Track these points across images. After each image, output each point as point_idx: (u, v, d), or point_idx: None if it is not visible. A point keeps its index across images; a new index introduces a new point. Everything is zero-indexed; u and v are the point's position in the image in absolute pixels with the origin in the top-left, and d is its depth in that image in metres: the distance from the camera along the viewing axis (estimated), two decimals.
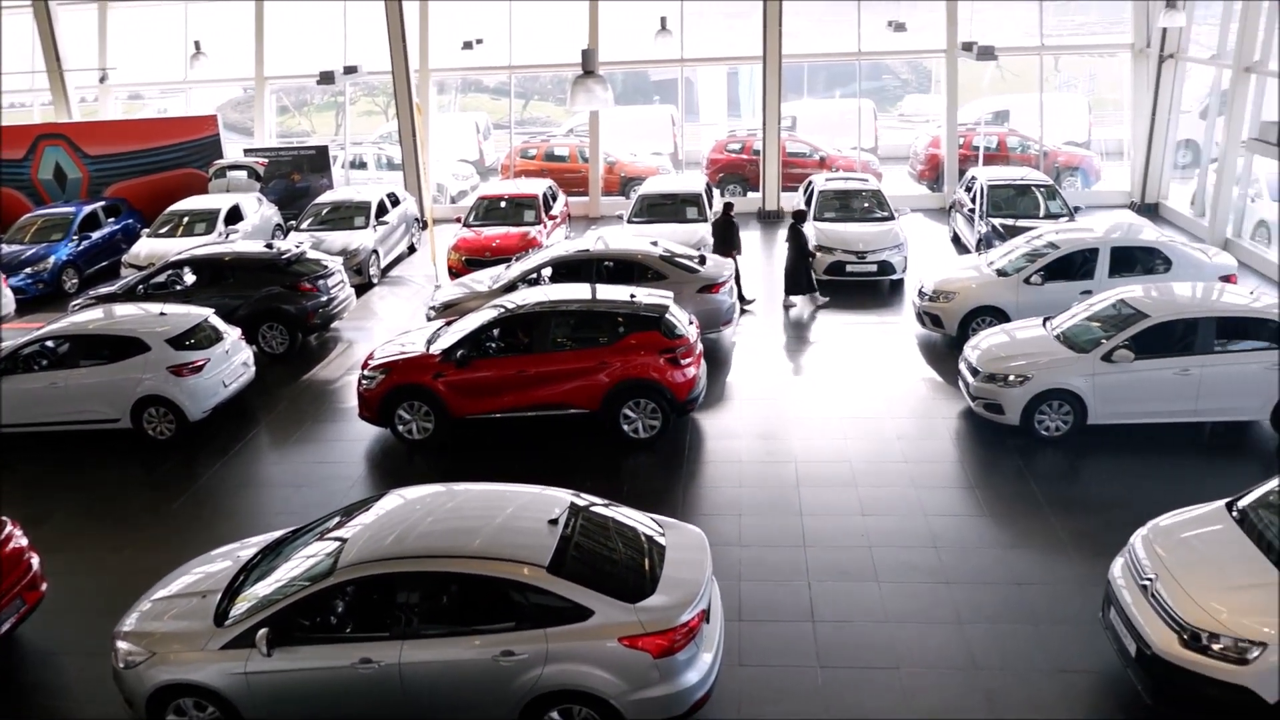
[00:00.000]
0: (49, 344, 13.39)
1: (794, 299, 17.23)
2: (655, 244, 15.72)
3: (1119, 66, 25.44)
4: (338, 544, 7.77)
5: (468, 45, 24.36)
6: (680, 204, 19.50)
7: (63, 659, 9.02)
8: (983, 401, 12.14)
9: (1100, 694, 7.84)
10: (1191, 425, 11.80)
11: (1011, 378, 11.87)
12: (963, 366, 12.71)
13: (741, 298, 16.92)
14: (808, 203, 19.59)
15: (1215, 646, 6.90)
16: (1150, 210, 22.32)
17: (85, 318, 14.12)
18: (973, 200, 19.37)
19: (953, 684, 7.97)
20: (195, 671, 7.37)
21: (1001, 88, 30.60)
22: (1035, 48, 24.55)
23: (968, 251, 18.92)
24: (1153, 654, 7.16)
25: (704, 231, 18.36)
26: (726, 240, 17.45)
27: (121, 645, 7.67)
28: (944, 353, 14.68)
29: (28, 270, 19.72)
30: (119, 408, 12.96)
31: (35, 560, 9.16)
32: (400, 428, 12.51)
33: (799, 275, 17.00)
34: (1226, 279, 14.43)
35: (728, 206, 17.93)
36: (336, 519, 8.37)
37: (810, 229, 18.45)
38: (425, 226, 21.86)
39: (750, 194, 24.92)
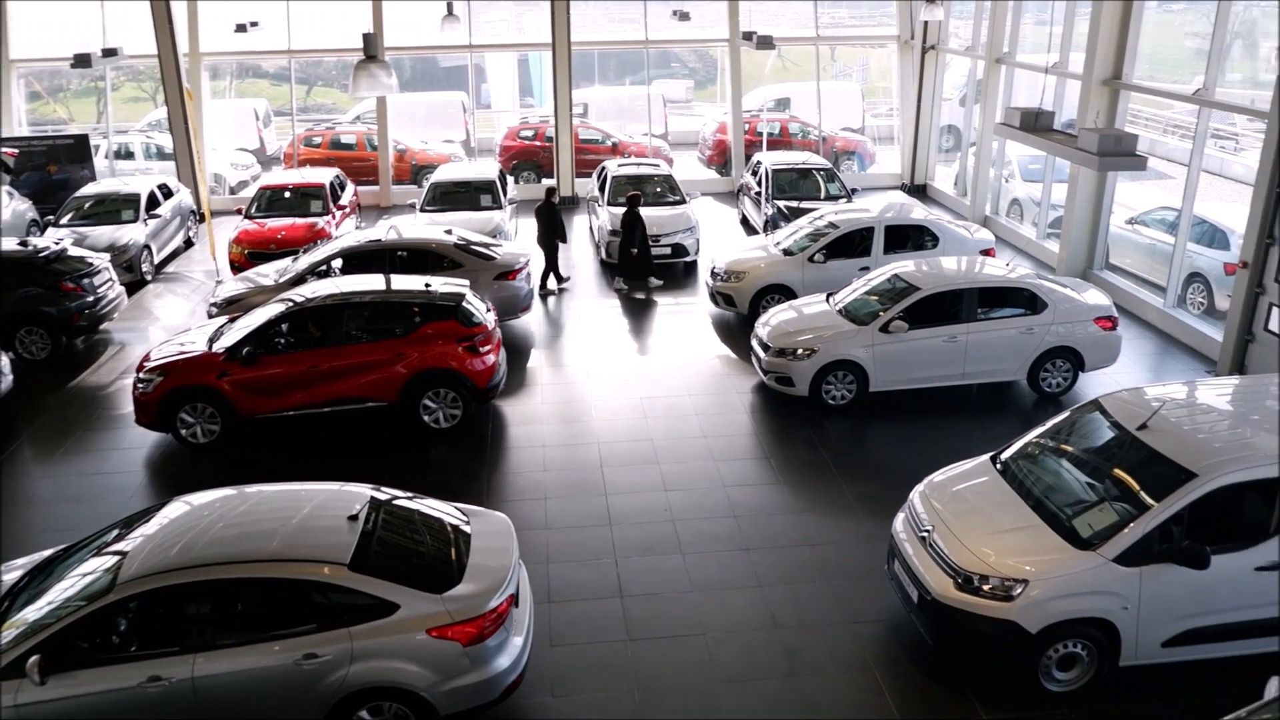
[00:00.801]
0: None
1: (624, 284, 17.41)
2: (449, 232, 15.51)
3: (888, 57, 27.06)
4: (117, 558, 7.27)
5: (241, 28, 23.11)
6: (474, 191, 19.29)
7: None
8: (774, 375, 12.69)
9: (889, 640, 8.39)
10: (961, 388, 12.77)
11: (800, 351, 12.45)
12: (754, 343, 13.24)
13: (559, 277, 17.17)
14: (601, 189, 19.82)
15: (985, 587, 7.51)
16: (919, 191, 23.92)
17: None
18: (759, 184, 20.15)
19: (756, 644, 8.33)
20: None
21: (783, 76, 31.98)
22: (811, 38, 25.72)
23: (756, 233, 19.67)
24: (932, 599, 7.73)
25: (499, 219, 18.25)
26: (550, 226, 17.34)
27: None
28: (737, 330, 15.24)
29: None
30: None
31: None
32: (183, 432, 11.82)
33: (637, 260, 17.17)
34: (986, 253, 15.66)
35: (550, 191, 17.75)
36: (115, 531, 7.83)
37: (604, 214, 18.70)
38: (203, 219, 20.65)
39: (545, 180, 24.93)
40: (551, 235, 17.31)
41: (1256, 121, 13.12)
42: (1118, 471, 8.00)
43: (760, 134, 25.27)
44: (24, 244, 15.70)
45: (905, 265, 13.40)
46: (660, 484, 10.88)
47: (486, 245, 15.48)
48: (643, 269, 17.29)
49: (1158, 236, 16.41)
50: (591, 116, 27.91)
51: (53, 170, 22.24)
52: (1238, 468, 7.46)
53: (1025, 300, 12.63)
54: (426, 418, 12.07)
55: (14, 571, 7.86)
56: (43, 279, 14.84)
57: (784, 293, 15.19)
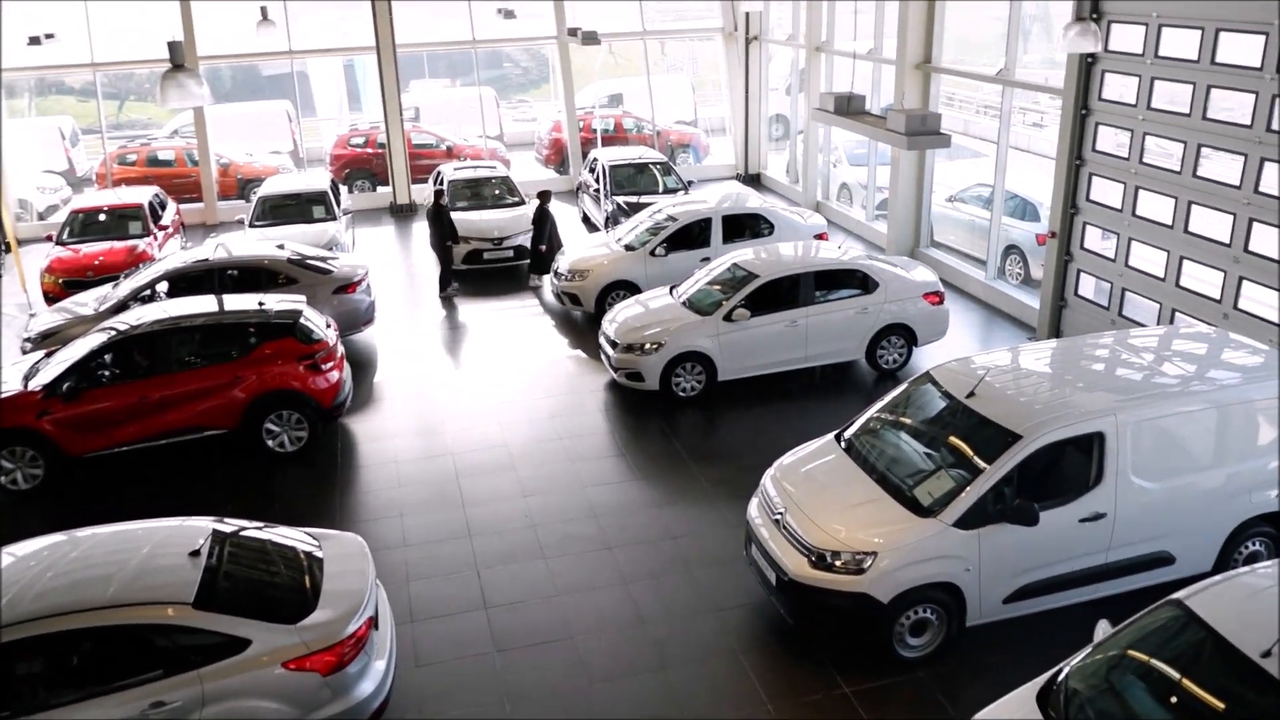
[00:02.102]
0: None
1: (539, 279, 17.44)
2: (282, 247, 14.96)
3: (715, 49, 27.59)
4: None
5: (35, 40, 21.62)
6: (306, 203, 18.66)
7: None
8: (624, 371, 12.79)
9: (752, 624, 8.59)
10: (805, 371, 13.18)
11: (647, 346, 12.60)
12: (603, 340, 13.31)
13: (451, 280, 17.31)
14: (438, 193, 19.50)
15: (838, 563, 7.78)
16: (754, 180, 24.52)
17: None
18: (597, 180, 20.24)
19: (624, 641, 8.39)
20: None
21: (615, 72, 32.17)
22: (638, 33, 25.99)
23: (597, 230, 19.75)
24: (789, 579, 7.96)
25: (334, 230, 17.74)
26: (440, 230, 17.00)
27: None
28: (585, 329, 15.29)
29: None
30: None
31: None
32: (2, 479, 11.02)
33: (546, 255, 17.19)
34: (819, 237, 16.20)
35: (438, 195, 17.24)
36: None
37: None
38: (9, 249, 19.25)
39: (380, 188, 24.38)
40: (443, 238, 16.96)
41: (1057, 99, 14.03)
42: (952, 439, 8.42)
43: (595, 131, 25.38)
44: None
45: (744, 254, 13.72)
46: (519, 490, 10.81)
47: (323, 259, 15.01)
48: (546, 265, 17.21)
49: (976, 213, 17.34)
50: (424, 120, 27.42)
51: None
52: (1057, 426, 7.96)
53: (859, 281, 13.14)
54: (270, 442, 11.63)
55: None
56: None
57: (628, 288, 15.32)
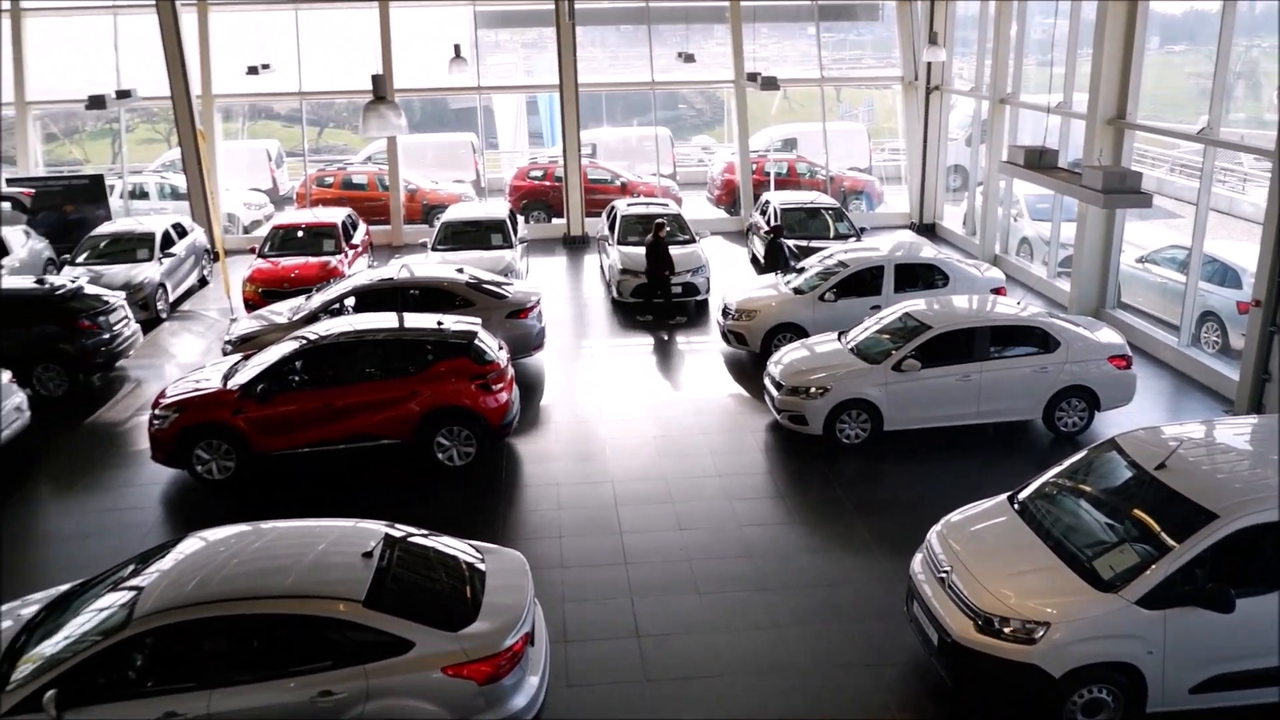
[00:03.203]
0: None
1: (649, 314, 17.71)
2: (461, 271, 15.57)
3: (893, 97, 27.29)
4: (133, 593, 7.23)
5: (253, 70, 23.39)
6: (485, 231, 19.39)
7: None
8: (787, 414, 12.66)
9: (909, 683, 8.27)
10: (976, 427, 12.71)
11: (813, 390, 12.43)
12: (767, 381, 13.22)
13: (672, 308, 17.70)
14: (611, 228, 19.92)
15: (1006, 630, 7.42)
16: (928, 230, 24.00)
17: None
18: (767, 223, 20.23)
19: (773, 686, 8.22)
20: None
21: (790, 117, 32.25)
22: (816, 80, 25.99)
23: (766, 272, 19.71)
24: (953, 641, 7.63)
25: (510, 258, 18.33)
26: (656, 261, 17.50)
27: None
28: (749, 369, 15.23)
29: None
30: None
31: None
32: (199, 468, 11.81)
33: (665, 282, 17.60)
34: (997, 291, 15.68)
35: (659, 226, 17.68)
36: (131, 567, 7.79)
37: (615, 253, 18.79)
38: (217, 258, 20.78)
39: (555, 220, 25.09)
40: (659, 269, 17.43)
41: (1264, 160, 13.17)
42: (1137, 512, 7.92)
43: (768, 174, 25.43)
44: (41, 282, 15.79)
45: (916, 304, 13.40)
46: (675, 523, 10.81)
47: (498, 284, 15.53)
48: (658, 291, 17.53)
49: (1169, 275, 16.43)
50: (600, 156, 28.14)
51: (69, 210, 22.41)
52: (1260, 509, 7.38)
53: (1038, 339, 12.62)
54: (440, 455, 12.04)
55: (31, 606, 7.82)
56: (59, 317, 14.90)
57: (795, 331, 15.19)
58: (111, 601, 7.30)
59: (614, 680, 8.32)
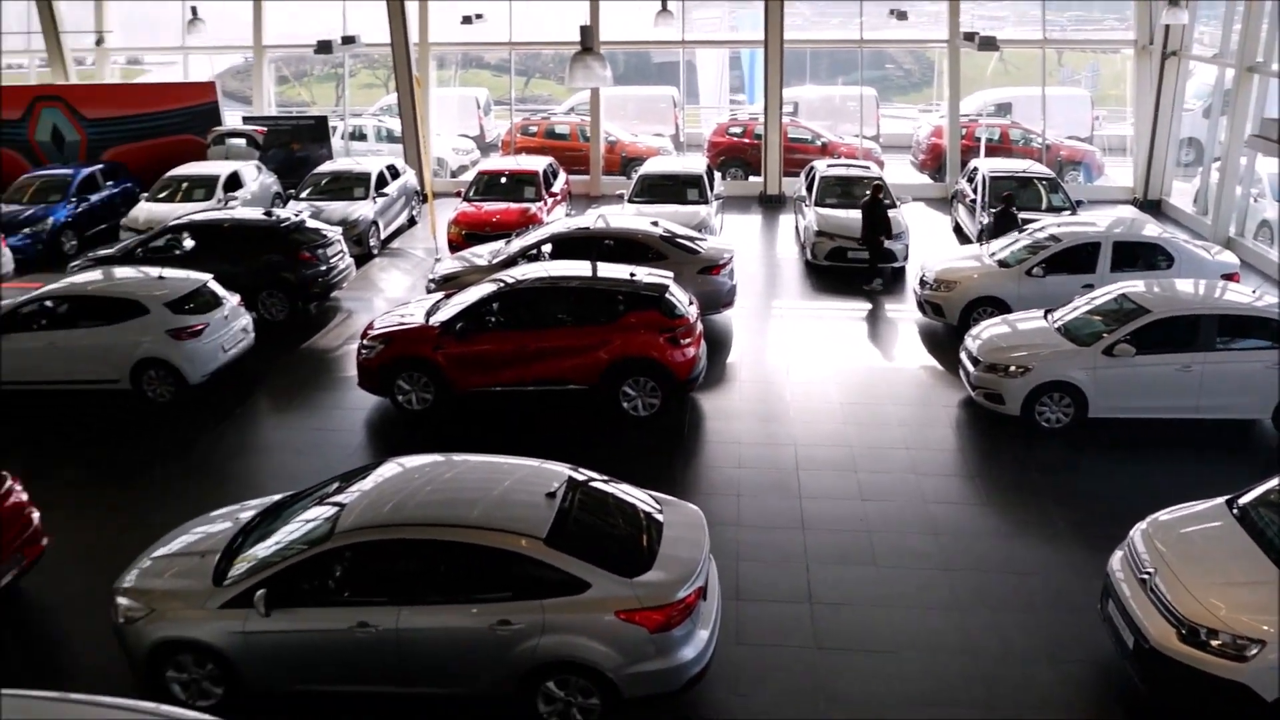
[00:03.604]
0: (48, 304, 13.24)
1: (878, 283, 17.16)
2: (656, 224, 15.62)
3: (1122, 62, 25.39)
4: (336, 509, 7.70)
5: (467, 20, 24.10)
6: (681, 185, 19.36)
7: (64, 612, 8.97)
8: (983, 391, 12.10)
9: (1097, 684, 7.82)
10: (1192, 422, 11.76)
11: (1012, 368, 11.82)
12: (963, 356, 12.66)
13: (880, 272, 17.09)
14: (809, 189, 19.51)
15: (1214, 643, 6.86)
16: (1153, 207, 22.27)
17: (84, 279, 13.97)
18: (975, 191, 19.30)
19: (950, 669, 7.94)
20: (194, 629, 7.32)
21: (1004, 80, 30.52)
22: (1038, 41, 24.43)
23: (969, 241, 18.86)
24: (1150, 648, 7.13)
25: (705, 213, 18.25)
26: (875, 223, 16.96)
27: (121, 601, 7.61)
28: (945, 341, 14.63)
29: (26, 231, 19.49)
30: (118, 369, 12.86)
31: (36, 515, 9.10)
32: (400, 398, 12.43)
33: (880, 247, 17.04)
34: (1229, 277, 14.39)
35: (876, 189, 17.20)
36: (335, 485, 8.29)
37: (811, 214, 18.40)
38: (425, 200, 21.71)
39: (752, 178, 24.81)
40: (875, 231, 16.99)
41: None
42: None
43: (978, 139, 24.22)
44: (269, 214, 16.97)
45: (1135, 285, 12.48)
46: (858, 492, 10.57)
47: (692, 239, 15.50)
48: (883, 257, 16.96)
49: None
50: (801, 115, 27.54)
51: (296, 148, 23.93)
52: None
53: (1273, 332, 11.51)
54: (625, 405, 12.20)
55: (248, 511, 8.47)
56: (284, 248, 15.97)
57: (997, 305, 14.45)
58: (317, 515, 7.79)
59: (783, 644, 8.25)
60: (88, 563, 9.40)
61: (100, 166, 22.10)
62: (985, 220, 18.08)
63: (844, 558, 9.39)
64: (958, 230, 20.48)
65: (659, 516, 8.00)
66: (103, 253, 16.63)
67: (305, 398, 13.31)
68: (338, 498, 7.94)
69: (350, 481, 8.23)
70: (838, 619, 8.53)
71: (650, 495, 8.38)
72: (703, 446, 11.75)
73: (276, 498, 8.68)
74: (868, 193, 17.37)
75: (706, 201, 18.88)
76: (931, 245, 18.76)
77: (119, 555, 8.43)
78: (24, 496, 9.05)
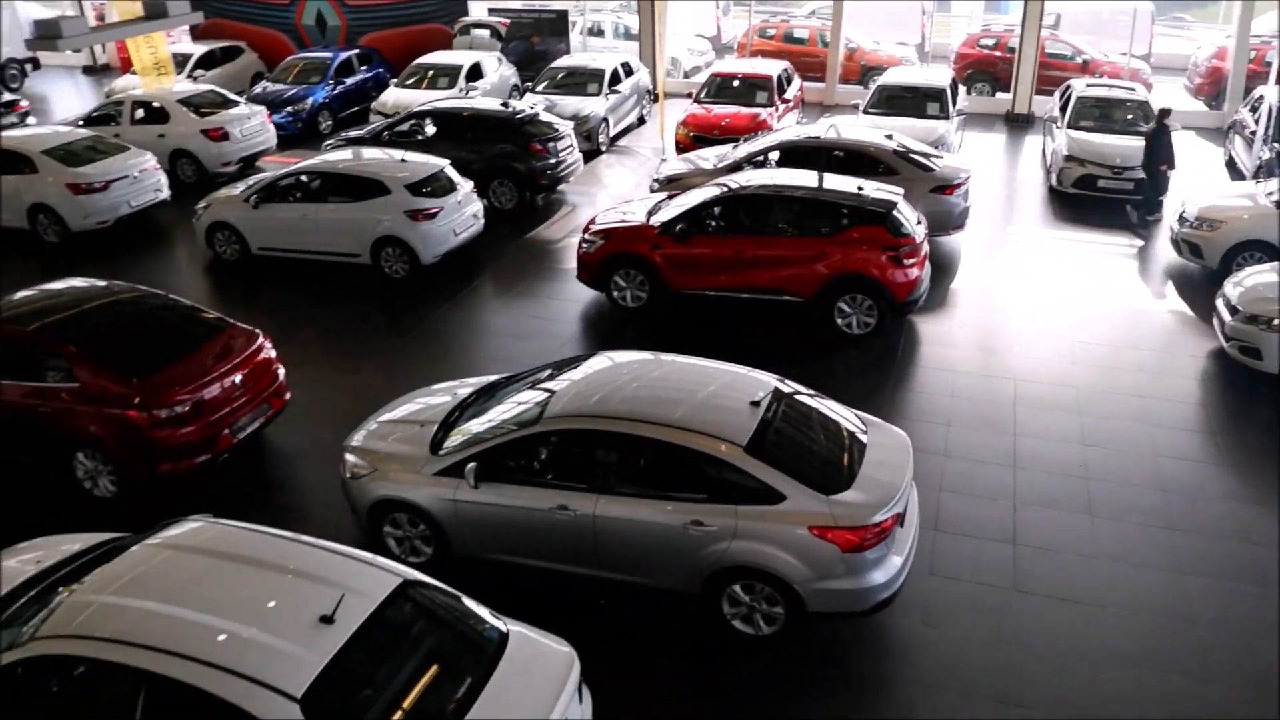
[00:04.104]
0: (304, 179, 14.27)
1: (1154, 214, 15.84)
2: (890, 137, 14.95)
3: None
4: (546, 395, 8.00)
5: None
6: (921, 98, 18.37)
7: (299, 461, 9.90)
8: (1238, 344, 11.01)
9: None
10: None
11: (1276, 322, 10.68)
12: (1220, 303, 11.53)
13: (1156, 207, 15.85)
14: (1062, 109, 18.09)
15: None
16: None
17: (336, 157, 14.93)
18: (1257, 123, 17.30)
19: (1160, 633, 7.46)
20: (410, 491, 7.86)
21: None
22: None
23: (1244, 178, 17.02)
24: None
25: (944, 129, 17.30)
26: (1157, 152, 15.64)
27: (349, 458, 8.27)
28: (1199, 285, 13.34)
29: (289, 109, 21.01)
30: (360, 244, 13.78)
31: (281, 371, 10.00)
32: (615, 294, 12.69)
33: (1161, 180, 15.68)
34: None
35: (1164, 113, 15.84)
36: (548, 371, 8.60)
37: (1062, 137, 17.10)
38: (656, 99, 21.70)
39: (1000, 94, 23.27)
40: (1156, 160, 15.71)
41: None
42: None
43: (1268, 64, 21.61)
44: (505, 105, 17.45)
45: None
46: (1079, 436, 9.95)
47: (926, 155, 14.76)
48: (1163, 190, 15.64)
49: None
50: (1063, 29, 25.42)
51: (535, 41, 24.38)
52: None
53: None
54: (840, 321, 11.94)
55: (466, 388, 8.96)
56: (517, 139, 16.43)
57: (1267, 251, 13.02)
58: (528, 399, 8.12)
59: (979, 581, 7.98)
60: (322, 420, 10.28)
61: (356, 51, 23.39)
62: (1266, 155, 16.23)
63: (1055, 502, 8.91)
64: (1230, 164, 18.49)
65: (863, 437, 7.85)
66: (353, 134, 17.68)
67: (526, 286, 13.82)
68: (549, 384, 8.24)
69: (562, 370, 8.51)
70: (1041, 564, 8.15)
71: (856, 415, 8.22)
72: (915, 371, 11.37)
73: (492, 378, 9.11)
74: (1153, 119, 15.86)
75: (947, 117, 17.87)
76: (1198, 179, 17.06)
77: (349, 415, 9.15)
78: (273, 354, 9.93)
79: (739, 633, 7.40)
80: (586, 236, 12.83)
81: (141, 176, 16.01)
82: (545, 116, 17.26)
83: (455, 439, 8.01)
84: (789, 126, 17.65)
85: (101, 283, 10.33)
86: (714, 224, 12.39)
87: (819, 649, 7.38)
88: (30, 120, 21.33)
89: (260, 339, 9.84)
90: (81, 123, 18.53)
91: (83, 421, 8.86)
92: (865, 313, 11.84)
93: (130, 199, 15.77)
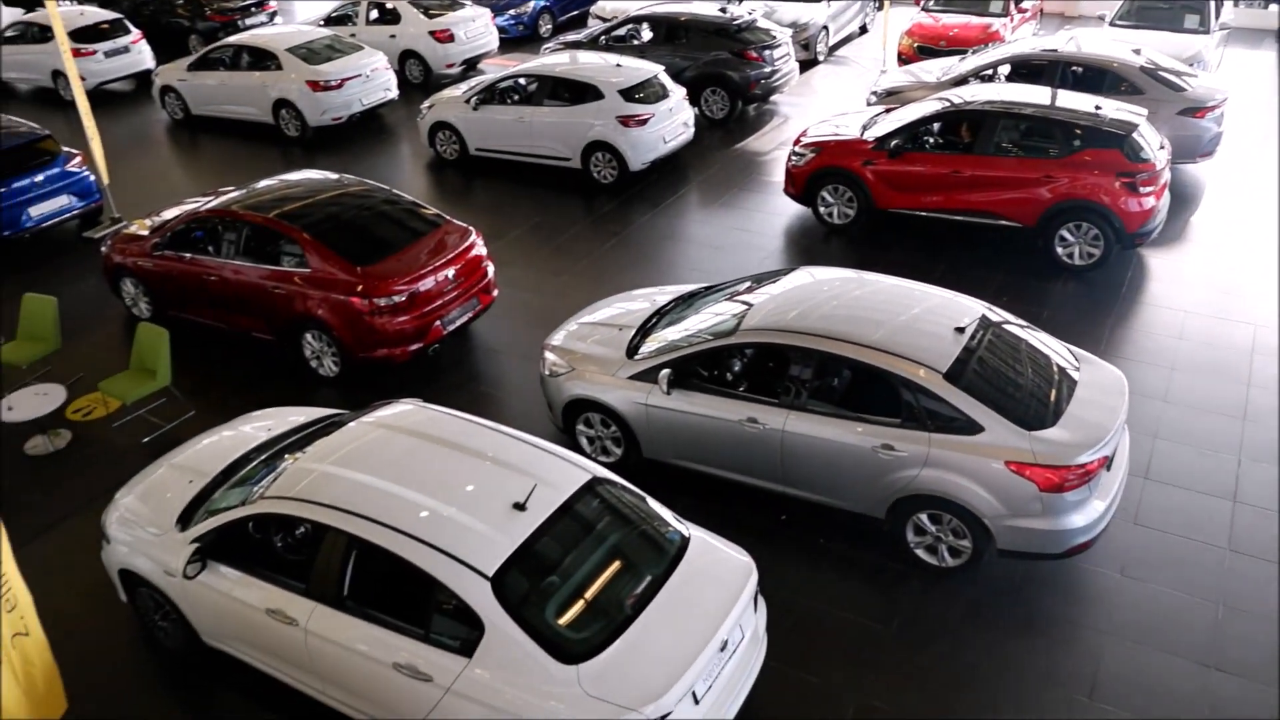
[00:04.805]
0: (521, 81, 14.59)
1: None
2: (1138, 52, 13.70)
3: None
4: (744, 308, 7.99)
5: None
6: (1179, 9, 16.71)
7: (501, 356, 10.36)
8: None
9: None
10: None
11: None
12: None
13: None
14: None
15: None
16: None
17: (553, 61, 15.15)
18: None
19: None
20: (604, 393, 8.10)
21: None
22: None
23: None
24: None
25: (1201, 45, 15.71)
26: None
27: (549, 356, 8.59)
28: None
29: (511, 12, 21.44)
30: (571, 148, 14.04)
31: (491, 269, 10.43)
32: (821, 209, 12.42)
33: None
34: None
35: None
36: (747, 284, 8.57)
37: None
38: (881, 7, 20.72)
39: (1273, 6, 20.81)
40: None
41: None
42: None
43: None
44: (723, 10, 17.13)
45: None
46: None
47: (1178, 74, 13.46)
48: None
49: None
50: None
51: None
52: None
53: None
54: (1060, 250, 11.23)
55: (665, 295, 9.06)
56: (732, 45, 16.13)
57: None
58: (726, 310, 8.14)
59: (1189, 536, 7.49)
60: (525, 318, 10.69)
61: None
62: None
63: None
64: None
65: (1074, 374, 7.44)
66: (571, 38, 17.87)
67: (731, 197, 13.71)
68: (747, 297, 8.22)
69: (761, 283, 8.46)
70: (1264, 526, 7.54)
71: (1068, 349, 7.79)
72: (1140, 309, 10.59)
73: (691, 287, 9.17)
74: None
75: (1207, 31, 16.20)
76: None
77: (551, 315, 9.48)
78: (484, 251, 10.35)
79: (922, 562, 7.28)
80: (796, 149, 12.55)
81: (373, 75, 16.82)
82: (763, 23, 16.84)
83: (651, 345, 8.15)
84: (1023, 39, 16.47)
85: (333, 175, 11.02)
86: (932, 141, 11.85)
87: (1005, 585, 7.17)
88: (278, 19, 22.73)
89: (473, 236, 10.27)
90: (322, 22, 19.60)
91: (311, 305, 9.58)
92: (1090, 242, 11.08)
93: (362, 97, 16.62)
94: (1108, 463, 6.93)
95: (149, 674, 6.82)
